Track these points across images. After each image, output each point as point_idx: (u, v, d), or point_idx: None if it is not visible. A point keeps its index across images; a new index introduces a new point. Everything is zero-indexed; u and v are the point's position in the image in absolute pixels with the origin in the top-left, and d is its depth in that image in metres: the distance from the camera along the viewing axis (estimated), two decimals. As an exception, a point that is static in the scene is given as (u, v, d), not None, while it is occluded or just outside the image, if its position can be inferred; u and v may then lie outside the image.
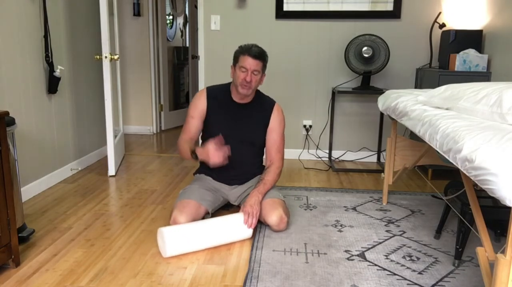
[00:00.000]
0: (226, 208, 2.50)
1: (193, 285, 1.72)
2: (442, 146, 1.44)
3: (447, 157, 1.39)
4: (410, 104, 2.02)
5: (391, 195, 2.83)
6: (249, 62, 2.16)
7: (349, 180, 3.20)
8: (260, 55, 2.19)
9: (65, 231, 2.22)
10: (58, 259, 1.92)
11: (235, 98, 2.32)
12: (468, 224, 1.82)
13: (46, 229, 2.24)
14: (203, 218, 2.23)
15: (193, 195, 2.23)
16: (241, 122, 2.33)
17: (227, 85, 2.36)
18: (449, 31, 3.18)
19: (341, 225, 2.34)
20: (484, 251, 1.42)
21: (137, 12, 4.65)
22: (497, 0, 3.01)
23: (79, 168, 3.32)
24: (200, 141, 2.44)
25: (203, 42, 3.72)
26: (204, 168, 2.40)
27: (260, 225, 2.28)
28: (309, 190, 2.93)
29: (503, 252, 1.15)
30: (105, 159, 3.58)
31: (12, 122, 1.99)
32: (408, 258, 1.96)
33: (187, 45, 5.64)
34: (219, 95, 2.33)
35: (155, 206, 2.58)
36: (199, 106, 2.31)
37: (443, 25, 3.38)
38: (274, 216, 2.16)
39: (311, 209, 2.57)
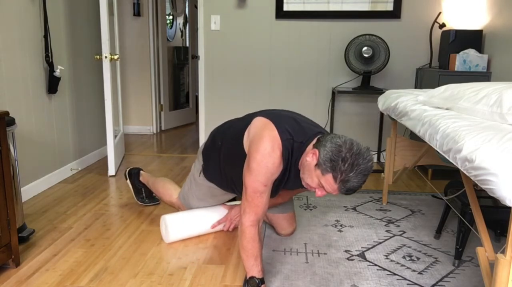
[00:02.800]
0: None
1: (193, 285, 1.72)
2: (442, 146, 1.44)
3: (447, 157, 1.39)
4: (410, 104, 2.02)
5: (391, 195, 2.83)
6: (335, 192, 1.56)
7: (349, 180, 3.20)
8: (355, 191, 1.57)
9: (65, 231, 2.22)
10: (58, 259, 1.92)
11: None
12: (468, 224, 1.82)
13: (46, 229, 2.24)
14: None
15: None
16: (292, 180, 1.81)
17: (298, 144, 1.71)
18: (449, 31, 3.18)
19: (341, 225, 2.33)
20: (484, 251, 1.42)
21: (137, 12, 4.65)
22: (497, 0, 3.01)
23: (79, 168, 3.32)
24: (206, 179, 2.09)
25: (203, 42, 3.72)
26: (220, 182, 2.05)
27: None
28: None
29: (503, 252, 1.15)
30: (105, 159, 3.58)
31: (12, 122, 1.99)
32: (408, 258, 1.96)
33: (187, 45, 5.64)
34: (290, 157, 1.72)
35: (155, 206, 2.58)
36: (276, 171, 1.68)
37: (443, 25, 3.38)
38: (288, 230, 2.18)
39: (311, 209, 2.57)
